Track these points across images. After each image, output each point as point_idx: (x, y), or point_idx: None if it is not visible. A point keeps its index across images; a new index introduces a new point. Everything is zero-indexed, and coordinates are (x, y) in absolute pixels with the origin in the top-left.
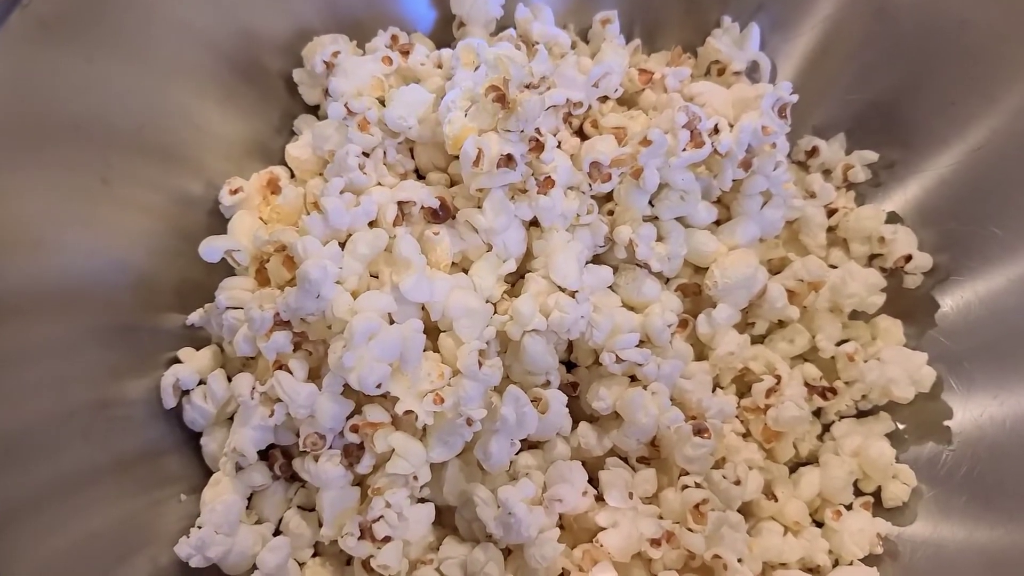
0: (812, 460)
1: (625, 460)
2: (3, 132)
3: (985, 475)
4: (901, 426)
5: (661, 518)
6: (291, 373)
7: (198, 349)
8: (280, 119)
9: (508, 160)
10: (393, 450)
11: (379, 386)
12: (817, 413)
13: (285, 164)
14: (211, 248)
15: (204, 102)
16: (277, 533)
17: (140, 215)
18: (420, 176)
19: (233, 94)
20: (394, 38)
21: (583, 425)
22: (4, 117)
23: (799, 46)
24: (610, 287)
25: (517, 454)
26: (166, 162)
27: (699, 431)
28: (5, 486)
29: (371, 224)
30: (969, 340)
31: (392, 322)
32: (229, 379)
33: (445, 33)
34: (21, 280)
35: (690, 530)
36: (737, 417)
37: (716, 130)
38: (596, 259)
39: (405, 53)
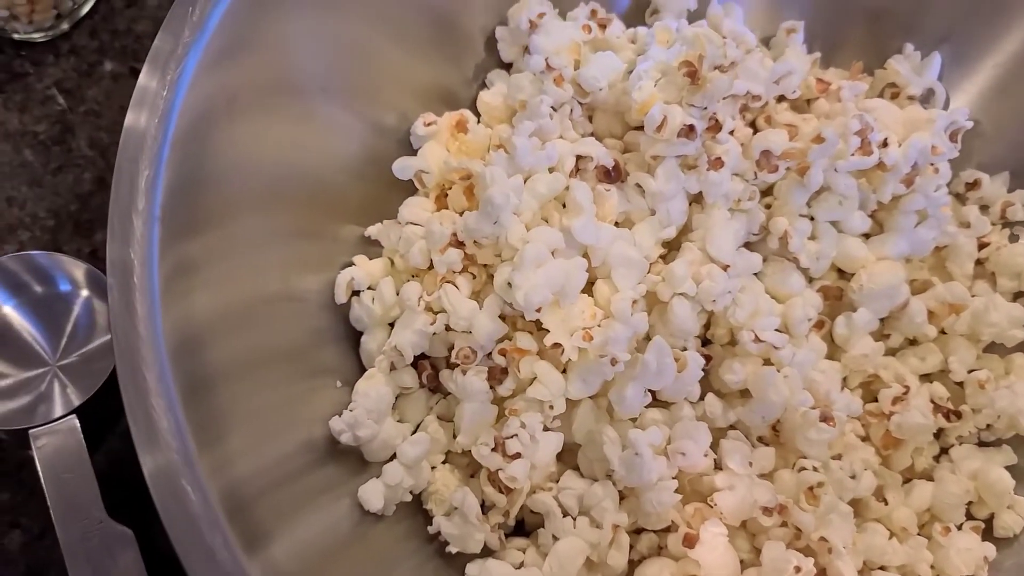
0: (926, 478)
1: (745, 437)
2: (256, 70)
3: None
4: None
5: None
6: (457, 288)
7: (371, 260)
8: (474, 71)
9: (689, 131)
10: (535, 377)
11: (539, 310)
12: (937, 435)
13: (473, 111)
14: (404, 166)
15: (405, 49)
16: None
17: (339, 136)
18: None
19: (435, 45)
20: (593, 12)
21: (710, 395)
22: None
23: (978, 83)
24: (756, 275)
25: (646, 408)
26: (368, 95)
27: (825, 418)
28: (214, 356)
29: (550, 170)
30: None
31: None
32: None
33: (636, 19)
34: (242, 183)
35: (802, 509)
36: (859, 419)
37: (885, 143)
38: (747, 247)
39: (603, 26)
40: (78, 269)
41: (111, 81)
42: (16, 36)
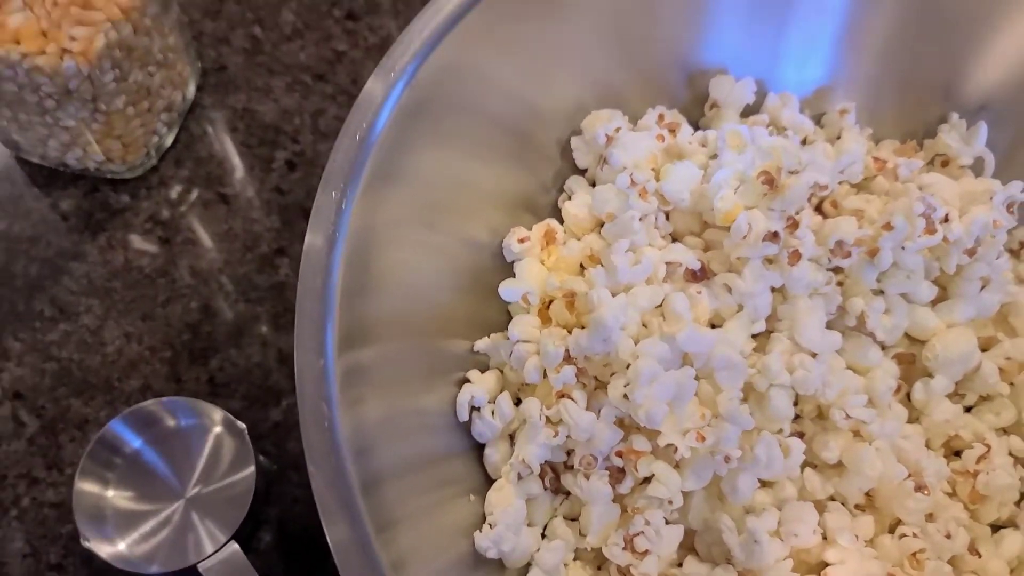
0: (1010, 524)
1: (843, 505)
2: (392, 204)
3: None
4: None
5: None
6: (575, 402)
7: (482, 372)
8: (551, 179)
9: (774, 236)
10: (653, 475)
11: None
12: None
13: (555, 217)
14: (510, 290)
15: (492, 168)
16: (543, 536)
17: (444, 259)
18: (674, 239)
19: (516, 159)
20: (661, 116)
21: (809, 471)
22: (395, 193)
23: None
24: (836, 351)
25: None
26: (463, 216)
27: (919, 487)
28: (369, 465)
29: (647, 280)
30: None
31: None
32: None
33: (695, 111)
34: (377, 313)
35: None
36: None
37: (947, 219)
38: (826, 326)
39: (672, 131)
40: (216, 412)
41: (202, 208)
42: (109, 175)
